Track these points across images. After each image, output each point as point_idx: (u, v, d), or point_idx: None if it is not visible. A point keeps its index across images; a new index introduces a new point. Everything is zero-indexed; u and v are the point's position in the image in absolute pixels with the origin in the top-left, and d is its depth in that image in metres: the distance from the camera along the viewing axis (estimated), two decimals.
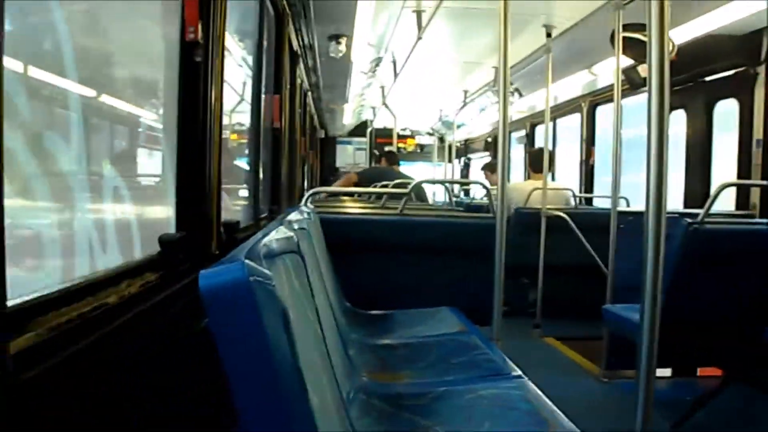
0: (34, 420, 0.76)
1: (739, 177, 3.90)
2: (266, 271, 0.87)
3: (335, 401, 1.30)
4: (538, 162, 5.29)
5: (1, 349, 0.69)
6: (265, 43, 3.27)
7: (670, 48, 3.66)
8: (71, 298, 0.95)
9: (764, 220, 3.57)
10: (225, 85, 1.84)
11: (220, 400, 1.01)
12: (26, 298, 0.84)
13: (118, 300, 1.06)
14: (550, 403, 1.76)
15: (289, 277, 1.17)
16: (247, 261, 0.85)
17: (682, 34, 3.78)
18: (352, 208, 4.67)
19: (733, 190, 3.94)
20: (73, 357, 0.85)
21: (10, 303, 0.75)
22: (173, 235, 1.45)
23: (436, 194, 9.69)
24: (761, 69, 3.75)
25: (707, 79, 4.20)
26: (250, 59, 3.09)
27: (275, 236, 1.21)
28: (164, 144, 1.69)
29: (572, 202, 5.35)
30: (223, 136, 1.89)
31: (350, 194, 6.48)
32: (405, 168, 7.63)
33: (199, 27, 1.59)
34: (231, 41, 2.57)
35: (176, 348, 1.34)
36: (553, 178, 6.33)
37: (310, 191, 3.43)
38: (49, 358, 0.80)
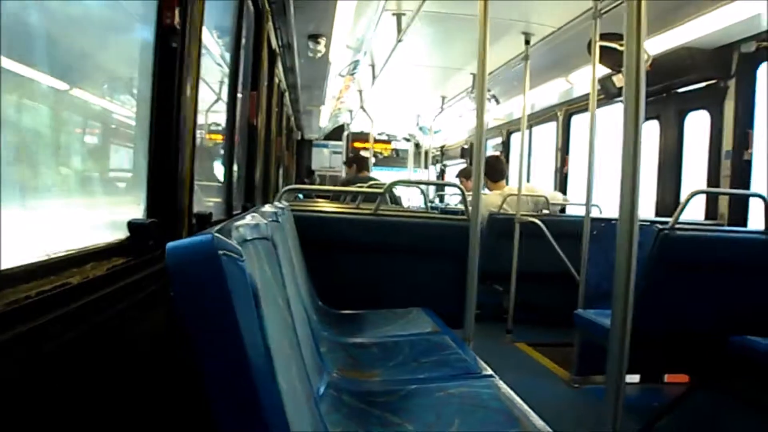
0: None
1: (709, 187, 3.97)
2: (237, 246, 0.84)
3: (305, 390, 1.28)
4: (494, 171, 5.24)
5: None
6: (243, 39, 3.23)
7: (645, 58, 3.73)
8: (31, 275, 0.91)
9: (732, 228, 3.64)
10: (201, 82, 1.79)
11: (187, 384, 0.98)
12: None
13: (82, 280, 1.02)
14: (521, 402, 1.75)
15: (261, 261, 1.14)
16: (216, 235, 0.82)
17: (656, 46, 3.84)
18: (327, 207, 4.65)
19: (702, 202, 4.01)
20: (29, 333, 0.82)
21: None
22: (143, 220, 1.41)
23: (411, 201, 9.71)
24: (731, 82, 3.83)
25: (680, 90, 4.27)
26: (227, 56, 3.05)
27: (248, 221, 1.18)
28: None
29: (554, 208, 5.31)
30: (199, 134, 1.85)
31: (325, 195, 6.47)
32: (379, 173, 7.66)
33: (177, 12, 1.55)
34: (208, 36, 2.52)
35: (141, 332, 1.30)
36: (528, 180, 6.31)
37: (285, 188, 3.42)
38: (3, 333, 0.76)
